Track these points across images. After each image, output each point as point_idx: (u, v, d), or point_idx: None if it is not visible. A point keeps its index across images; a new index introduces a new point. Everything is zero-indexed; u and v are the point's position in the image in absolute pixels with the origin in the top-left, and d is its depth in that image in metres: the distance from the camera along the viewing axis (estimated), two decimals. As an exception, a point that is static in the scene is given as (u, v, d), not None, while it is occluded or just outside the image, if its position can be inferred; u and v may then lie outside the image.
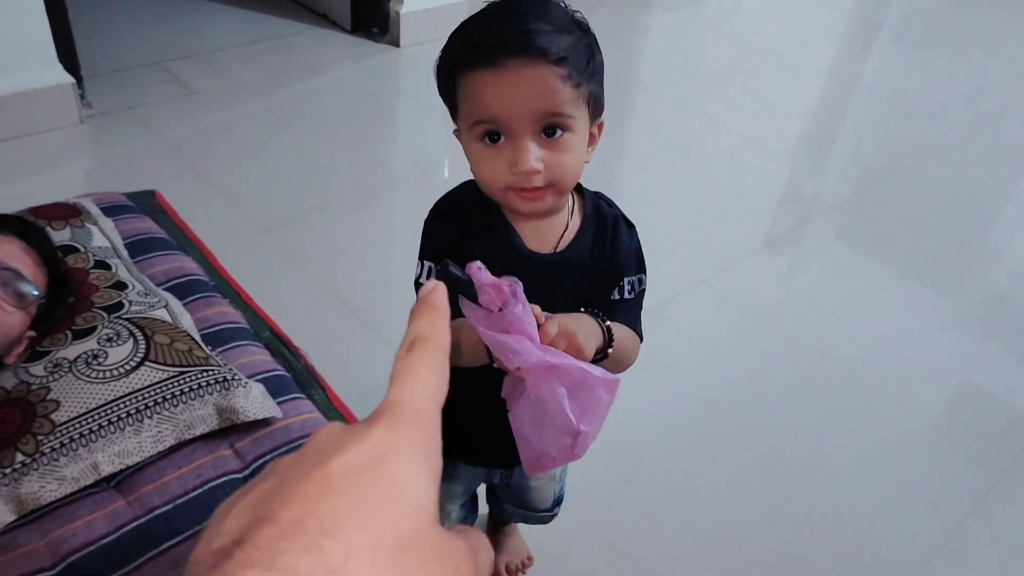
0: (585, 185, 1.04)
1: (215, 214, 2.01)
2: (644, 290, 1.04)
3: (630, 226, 1.04)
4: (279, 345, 1.53)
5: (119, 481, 1.18)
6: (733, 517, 1.69)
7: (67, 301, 1.29)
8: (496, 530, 1.55)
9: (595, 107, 0.90)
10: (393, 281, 2.07)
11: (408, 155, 2.78)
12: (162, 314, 1.37)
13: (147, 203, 1.88)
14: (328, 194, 2.35)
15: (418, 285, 0.94)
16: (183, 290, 1.53)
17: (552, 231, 0.97)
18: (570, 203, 0.99)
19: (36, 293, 1.19)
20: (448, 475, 1.06)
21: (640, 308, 1.04)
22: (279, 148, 2.54)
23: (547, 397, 0.83)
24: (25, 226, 1.27)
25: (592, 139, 0.92)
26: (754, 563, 1.62)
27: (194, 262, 1.66)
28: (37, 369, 1.20)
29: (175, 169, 2.32)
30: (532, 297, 0.82)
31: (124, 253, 1.56)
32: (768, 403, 1.98)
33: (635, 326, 1.03)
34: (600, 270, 1.00)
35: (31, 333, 1.22)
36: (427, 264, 0.98)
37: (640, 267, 1.04)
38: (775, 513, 1.71)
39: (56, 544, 1.08)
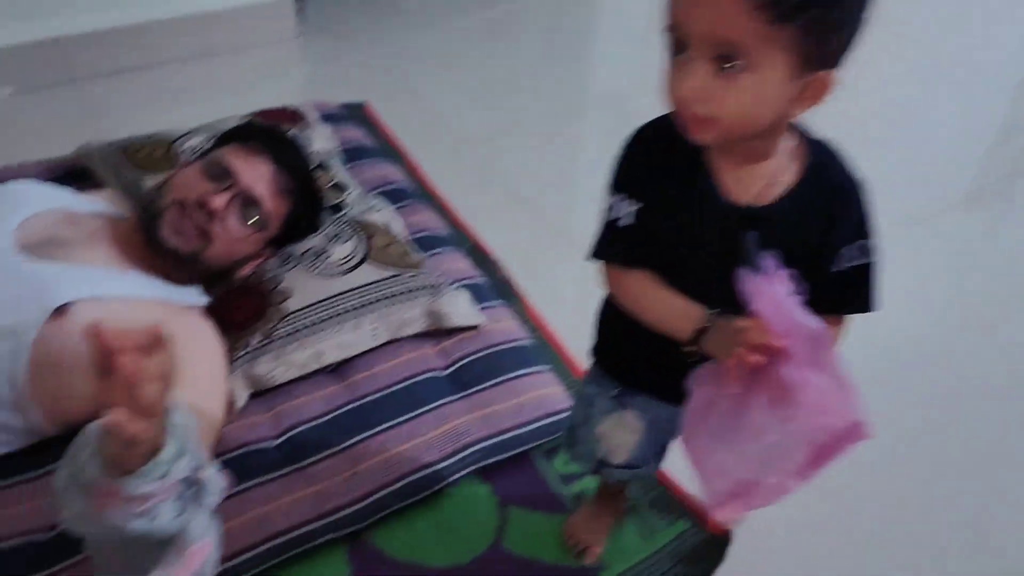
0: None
1: (419, 128, 2.08)
2: (871, 263, 0.85)
3: (859, 187, 0.84)
4: (478, 255, 1.59)
5: (335, 368, 1.29)
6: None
7: (307, 227, 1.34)
8: None
9: (807, 57, 0.70)
10: (587, 200, 2.07)
11: (604, 78, 2.75)
12: (377, 218, 1.45)
13: (358, 114, 1.98)
14: (527, 113, 2.38)
15: (611, 224, 0.83)
16: (391, 197, 1.61)
17: (757, 180, 0.82)
18: (787, 150, 0.82)
19: (267, 224, 1.25)
20: (625, 403, 0.99)
21: (867, 282, 0.86)
22: (481, 67, 2.58)
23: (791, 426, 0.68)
24: (283, 147, 1.30)
25: (807, 93, 0.73)
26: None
27: (400, 171, 1.75)
28: (271, 261, 1.32)
29: (382, 84, 2.42)
30: (724, 258, 0.75)
31: (340, 158, 1.66)
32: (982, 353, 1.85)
33: (850, 304, 0.86)
34: (813, 235, 0.83)
35: (268, 251, 1.31)
36: (619, 198, 0.83)
37: (861, 232, 0.85)
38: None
39: (279, 419, 1.20)
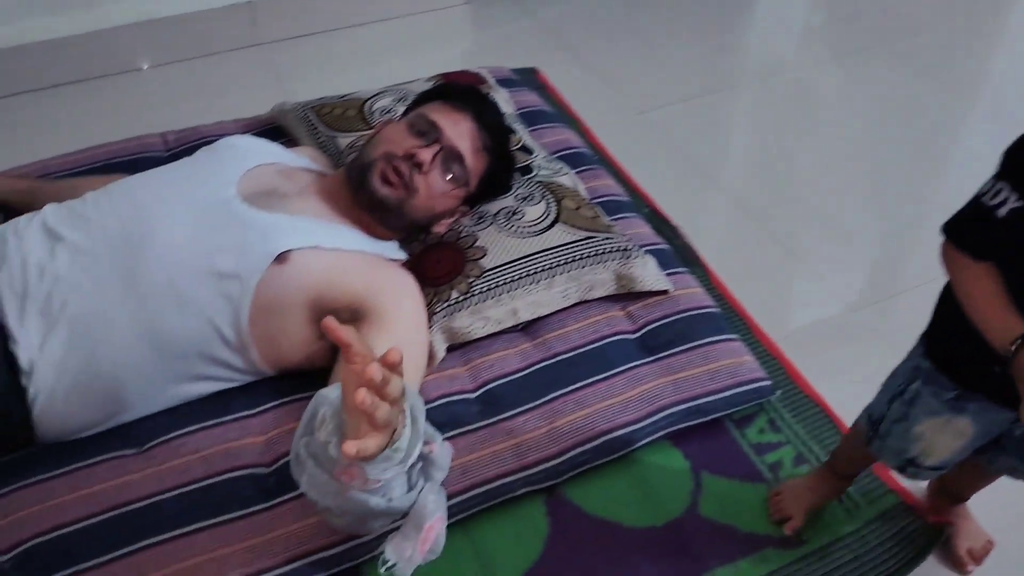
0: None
1: (591, 93, 2.08)
2: None
3: None
4: (658, 221, 1.57)
5: (525, 326, 1.31)
6: None
7: (501, 185, 1.37)
8: (949, 511, 1.22)
9: None
10: (769, 167, 2.01)
11: (766, 45, 2.66)
12: (566, 180, 1.46)
13: (530, 79, 1.99)
14: (704, 79, 2.33)
15: (986, 210, 0.77)
16: (570, 161, 1.61)
17: None
18: None
19: (466, 178, 1.28)
20: (961, 407, 0.92)
21: None
22: (652, 32, 2.54)
23: None
24: (483, 106, 1.33)
25: None
26: None
27: (576, 136, 1.75)
28: (465, 220, 1.35)
29: (552, 49, 2.42)
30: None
31: (519, 122, 1.68)
32: None
33: None
34: None
35: (464, 208, 1.34)
36: (1008, 187, 0.76)
37: None
38: None
39: (476, 372, 1.23)
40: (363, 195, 1.23)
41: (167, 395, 1.14)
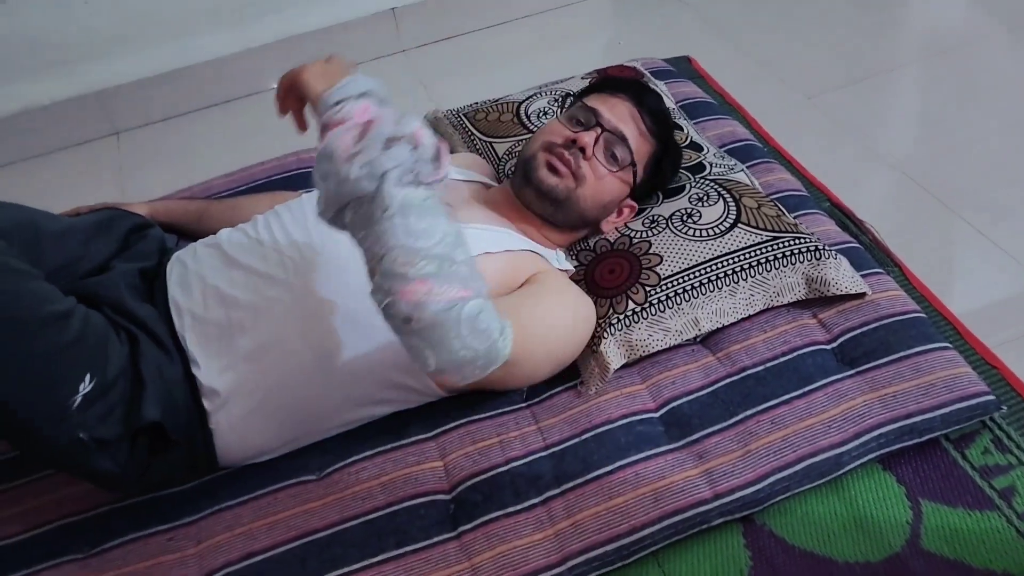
0: None
1: (751, 81, 1.95)
2: None
3: None
4: (841, 216, 1.44)
5: (704, 337, 1.22)
6: None
7: (669, 173, 1.31)
8: None
9: None
10: (955, 151, 1.83)
11: (926, 23, 2.44)
12: (741, 177, 1.35)
13: (685, 68, 1.88)
14: (871, 58, 2.15)
15: None
16: (740, 155, 1.50)
17: None
18: None
19: (631, 160, 1.22)
20: None
21: None
22: (808, 11, 2.38)
23: None
24: (641, 91, 1.29)
25: None
26: None
27: (742, 127, 1.63)
28: (635, 224, 1.27)
29: (701, 36, 2.31)
30: None
31: (681, 116, 1.58)
32: None
33: None
34: None
35: (631, 203, 1.27)
36: None
37: None
38: None
39: (657, 389, 1.15)
40: (530, 191, 1.19)
41: (344, 419, 1.12)
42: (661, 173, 1.29)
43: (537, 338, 1.05)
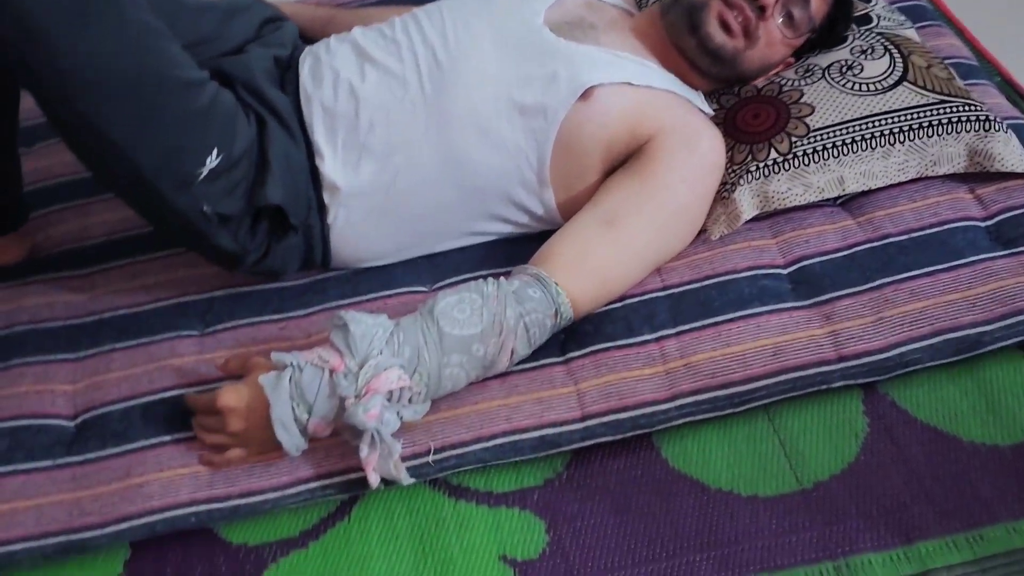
0: None
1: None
2: None
3: None
4: (1012, 92, 1.31)
5: (845, 200, 1.13)
6: None
7: (840, 33, 1.18)
8: None
9: None
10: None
11: None
12: (911, 34, 1.23)
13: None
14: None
15: None
16: (908, 15, 1.36)
17: None
18: None
19: (808, 26, 1.11)
20: None
21: None
22: None
23: None
24: None
25: None
26: None
27: (911, -14, 1.48)
28: (787, 72, 1.17)
29: None
30: None
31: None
32: None
33: None
34: None
35: (791, 59, 1.17)
36: None
37: None
38: None
39: (788, 246, 1.09)
40: (692, 41, 1.09)
41: (460, 231, 1.10)
42: (832, 36, 1.17)
43: (669, 240, 1.04)
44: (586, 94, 1.03)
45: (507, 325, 0.92)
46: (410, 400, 0.90)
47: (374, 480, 0.87)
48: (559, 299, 0.96)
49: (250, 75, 1.01)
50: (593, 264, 1.00)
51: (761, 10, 1.06)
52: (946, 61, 1.27)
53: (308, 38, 1.35)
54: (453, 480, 0.95)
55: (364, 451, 0.86)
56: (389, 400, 0.88)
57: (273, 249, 1.03)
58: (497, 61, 1.05)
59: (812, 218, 1.11)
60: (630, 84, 1.05)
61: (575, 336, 1.01)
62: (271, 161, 0.98)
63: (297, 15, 1.36)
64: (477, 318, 0.91)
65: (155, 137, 0.88)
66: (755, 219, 1.11)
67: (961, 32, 1.41)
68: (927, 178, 1.12)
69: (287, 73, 1.08)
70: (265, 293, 1.10)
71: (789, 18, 1.09)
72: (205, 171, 0.92)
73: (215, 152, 0.92)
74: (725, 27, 1.07)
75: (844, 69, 1.14)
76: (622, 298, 1.04)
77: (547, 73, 1.04)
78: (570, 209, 1.07)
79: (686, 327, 1.01)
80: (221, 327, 1.07)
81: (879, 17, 1.24)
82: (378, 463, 0.87)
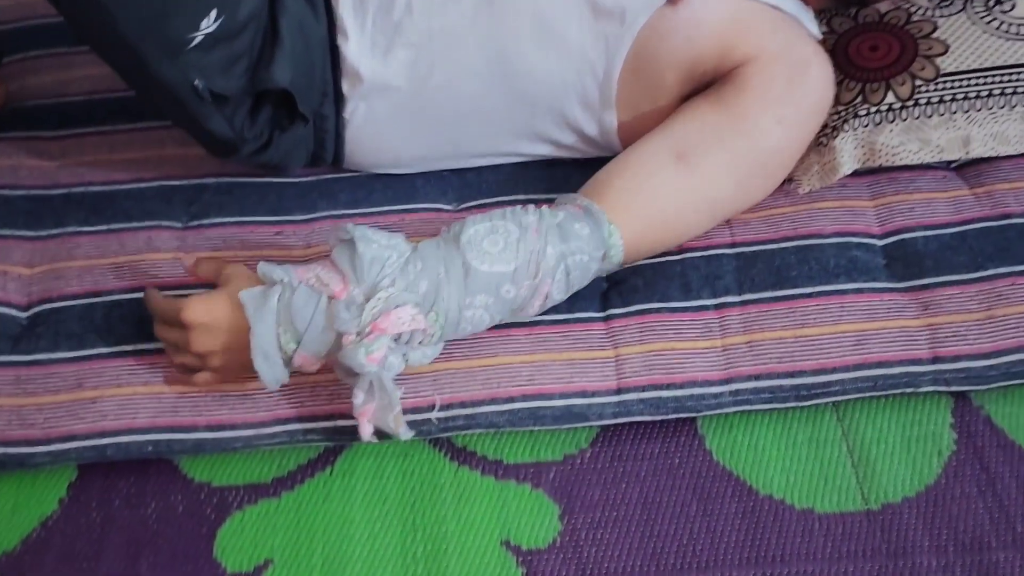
0: None
1: None
2: None
3: None
4: None
5: (962, 164, 0.95)
6: None
7: None
8: None
9: None
10: None
11: None
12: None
13: None
14: None
15: None
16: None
17: None
18: None
19: None
20: None
21: None
22: None
23: None
24: None
25: None
26: None
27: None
28: (922, -2, 0.97)
29: None
30: None
31: None
32: None
33: None
34: None
35: None
36: None
37: None
38: None
39: (888, 212, 0.91)
40: None
41: (498, 149, 0.93)
42: None
43: (749, 190, 0.85)
44: None
45: (545, 266, 0.76)
46: (420, 343, 0.75)
47: (367, 432, 0.72)
48: (611, 240, 0.79)
49: None
50: (656, 204, 0.83)
51: None
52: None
53: None
54: (458, 441, 0.80)
55: (359, 398, 0.71)
56: (396, 342, 0.73)
57: (276, 140, 0.85)
58: None
59: (920, 181, 0.93)
60: None
61: (620, 290, 0.85)
62: (282, 33, 0.79)
63: None
64: (511, 254, 0.75)
65: None
66: (853, 173, 0.92)
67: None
68: (1067, 151, 0.93)
69: None
70: (263, 187, 0.93)
71: None
72: (200, 36, 0.73)
73: (214, 13, 0.73)
74: None
75: (992, 4, 0.93)
76: (682, 249, 0.88)
77: None
78: (632, 137, 0.88)
79: (754, 296, 0.84)
80: (208, 222, 0.91)
81: (1041, -57, 1.02)
82: (375, 413, 0.72)
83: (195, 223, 0.91)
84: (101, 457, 0.77)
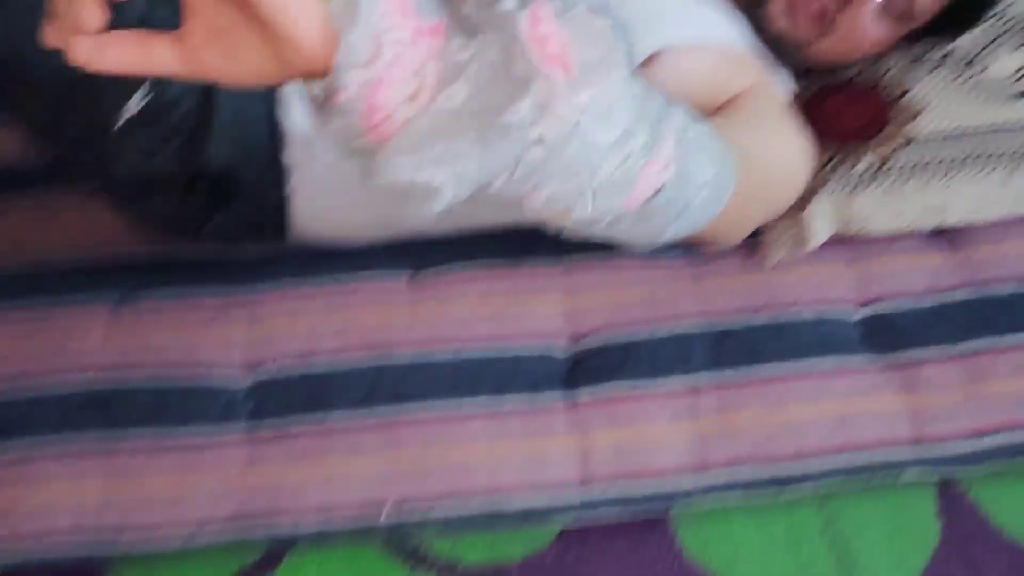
0: None
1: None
2: None
3: None
4: None
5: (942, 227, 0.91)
6: None
7: (964, 27, 0.90)
8: None
9: None
10: None
11: None
12: (1053, 24, 0.98)
13: None
14: None
15: None
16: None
17: None
18: None
19: (911, 19, 0.84)
20: None
21: None
22: None
23: None
24: None
25: None
26: None
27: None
28: (894, 57, 0.93)
29: None
30: None
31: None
32: None
33: None
34: None
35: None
36: None
37: None
38: None
39: (865, 280, 0.87)
40: (755, 14, 0.85)
41: (456, 222, 0.87)
42: (954, 24, 0.89)
43: (757, 182, 0.73)
44: (648, 60, 0.79)
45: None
46: None
47: None
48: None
49: None
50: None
51: None
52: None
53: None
54: (411, 542, 0.74)
55: None
56: None
57: (216, 216, 0.79)
58: None
59: (898, 245, 0.89)
60: (707, 40, 0.81)
61: (586, 369, 0.80)
62: (218, 108, 0.73)
63: None
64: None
65: (52, 74, 0.63)
66: (832, 242, 0.88)
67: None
68: (1045, 213, 0.90)
69: None
70: (202, 260, 0.87)
71: (887, 8, 0.82)
72: (125, 117, 0.67)
73: (142, 91, 0.67)
74: (791, 9, 0.82)
75: (965, 62, 0.90)
76: (651, 321, 0.83)
77: (603, 30, 0.79)
78: None
79: (727, 376, 0.79)
80: (144, 298, 0.84)
81: (1015, -2, 0.99)
82: None
83: (129, 301, 0.84)
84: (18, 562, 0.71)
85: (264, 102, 0.77)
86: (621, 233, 0.57)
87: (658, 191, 0.54)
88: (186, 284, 0.85)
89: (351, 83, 0.42)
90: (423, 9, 0.44)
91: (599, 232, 0.57)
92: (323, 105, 0.45)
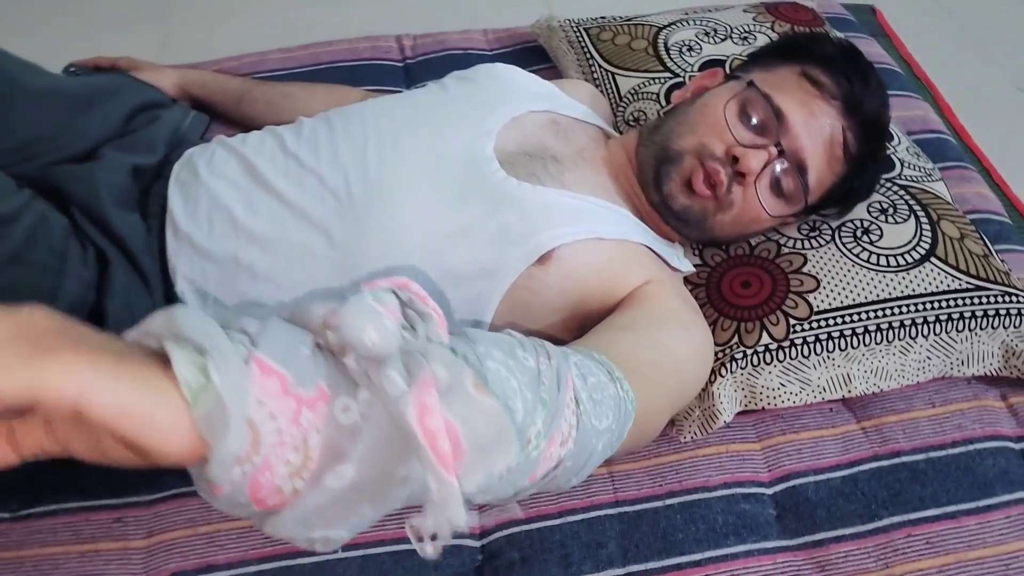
0: None
1: (951, 51, 1.56)
2: None
3: None
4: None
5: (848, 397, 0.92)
6: None
7: (851, 205, 0.95)
8: None
9: None
10: None
11: None
12: (941, 189, 1.02)
13: (867, 21, 1.50)
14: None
15: None
16: (928, 152, 1.15)
17: None
18: None
19: (803, 199, 0.87)
20: None
21: None
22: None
23: None
24: (865, 88, 0.89)
25: None
26: None
27: (935, 114, 1.28)
28: (790, 229, 0.96)
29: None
30: None
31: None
32: None
33: None
34: None
35: (790, 220, 0.93)
36: None
37: None
38: None
39: (775, 456, 0.86)
40: (655, 196, 0.88)
41: None
42: (843, 202, 0.93)
43: (662, 389, 0.73)
44: (545, 257, 0.80)
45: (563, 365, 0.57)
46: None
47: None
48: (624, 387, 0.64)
49: (94, 193, 0.76)
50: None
51: (740, 175, 0.84)
52: (974, 215, 1.07)
53: (217, 114, 1.13)
54: None
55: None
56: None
57: None
58: (432, 207, 0.81)
59: (807, 417, 0.89)
60: (600, 239, 0.83)
61: (497, 567, 0.78)
62: (108, 320, 0.73)
63: (205, 85, 1.12)
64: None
65: None
66: (741, 415, 0.88)
67: (990, 174, 1.21)
68: (950, 378, 0.91)
69: (152, 187, 0.83)
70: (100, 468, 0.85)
71: (777, 188, 0.86)
72: None
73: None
74: (691, 189, 0.85)
75: (860, 232, 0.93)
76: (562, 511, 0.81)
77: (494, 229, 0.80)
78: None
79: (639, 568, 0.78)
80: (39, 510, 0.81)
81: (903, 164, 1.03)
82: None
83: (24, 512, 0.81)
84: None
85: (161, 306, 0.77)
86: (525, 493, 0.56)
87: (559, 462, 0.54)
88: (85, 493, 0.83)
89: (230, 480, 0.42)
90: (302, 377, 0.43)
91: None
92: (205, 490, 0.44)
